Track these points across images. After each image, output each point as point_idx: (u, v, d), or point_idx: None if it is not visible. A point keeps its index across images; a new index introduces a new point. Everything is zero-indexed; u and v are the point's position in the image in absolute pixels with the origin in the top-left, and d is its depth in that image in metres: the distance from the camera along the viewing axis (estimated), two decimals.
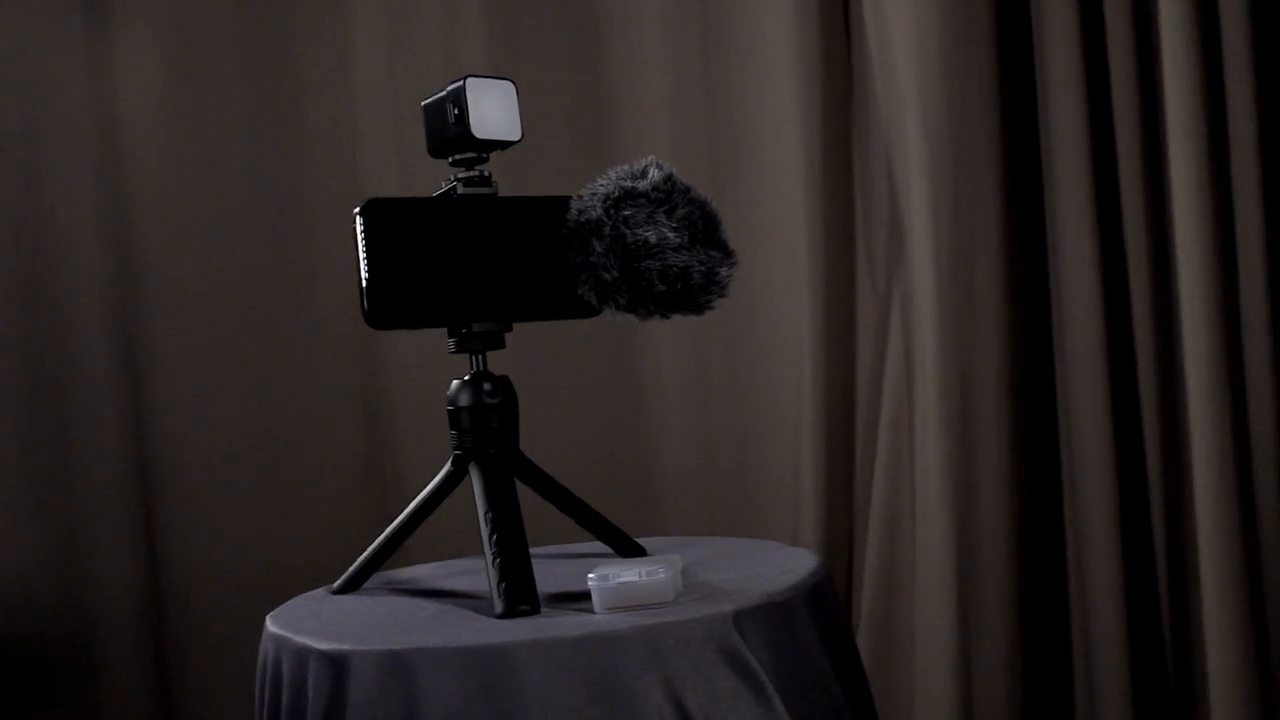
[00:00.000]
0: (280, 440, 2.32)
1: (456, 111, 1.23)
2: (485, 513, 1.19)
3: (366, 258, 1.18)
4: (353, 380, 2.34)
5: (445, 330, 1.27)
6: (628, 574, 1.09)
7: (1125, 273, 1.76)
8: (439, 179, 2.33)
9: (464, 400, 1.26)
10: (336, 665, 1.06)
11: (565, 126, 2.27)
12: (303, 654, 1.11)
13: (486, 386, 1.26)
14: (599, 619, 1.06)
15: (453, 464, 1.28)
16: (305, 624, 1.19)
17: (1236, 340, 1.65)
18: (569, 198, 1.21)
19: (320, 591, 1.37)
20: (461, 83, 1.23)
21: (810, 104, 1.99)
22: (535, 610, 1.13)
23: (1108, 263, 1.78)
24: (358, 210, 1.18)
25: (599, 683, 0.99)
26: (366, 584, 1.35)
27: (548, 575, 1.26)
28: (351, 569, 1.34)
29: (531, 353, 2.29)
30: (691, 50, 2.18)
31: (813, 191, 1.98)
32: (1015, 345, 1.88)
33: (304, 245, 2.34)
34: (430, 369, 2.19)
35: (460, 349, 1.27)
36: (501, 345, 1.27)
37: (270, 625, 1.21)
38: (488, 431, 1.25)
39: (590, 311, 1.22)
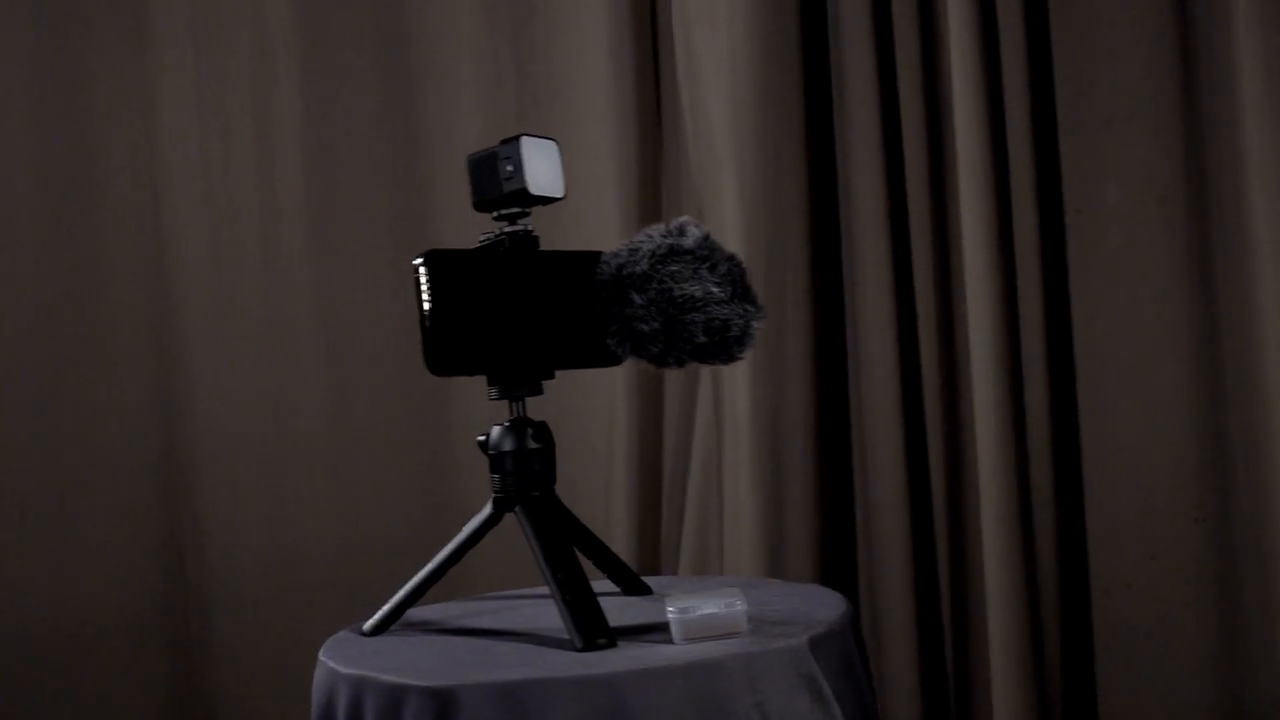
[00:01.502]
0: (65, 485, 2.22)
1: (510, 168, 1.26)
2: (545, 554, 1.23)
3: (430, 305, 1.19)
4: (146, 420, 2.28)
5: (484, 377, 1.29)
6: (707, 607, 1.15)
7: (916, 323, 1.89)
8: (244, 214, 2.26)
9: (507, 445, 1.29)
10: (441, 699, 1.06)
11: (380, 175, 2.27)
12: (395, 692, 1.10)
13: (530, 431, 1.30)
14: (694, 648, 1.12)
15: (493, 507, 1.30)
16: (379, 662, 1.17)
17: (1017, 370, 1.81)
18: (599, 253, 1.26)
19: (346, 633, 1.34)
20: (516, 141, 1.27)
21: (626, 162, 2.06)
22: (613, 643, 1.16)
23: (901, 316, 1.91)
24: (419, 261, 1.20)
25: (700, 707, 1.06)
26: (393, 626, 1.34)
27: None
28: (385, 610, 1.33)
29: (344, 400, 2.29)
30: (507, 110, 2.22)
31: None
32: (819, 395, 1.98)
33: (97, 283, 2.27)
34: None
35: (503, 395, 1.30)
36: (541, 392, 1.31)
37: (339, 666, 1.18)
38: (531, 475, 1.29)
39: (615, 361, 1.27)
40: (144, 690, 2.30)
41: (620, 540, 2.04)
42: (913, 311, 1.90)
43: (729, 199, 1.94)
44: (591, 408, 2.14)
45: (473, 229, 2.22)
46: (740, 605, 1.16)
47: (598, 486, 2.13)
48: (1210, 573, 1.73)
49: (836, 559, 1.96)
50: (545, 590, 1.47)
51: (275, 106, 2.30)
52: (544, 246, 2.22)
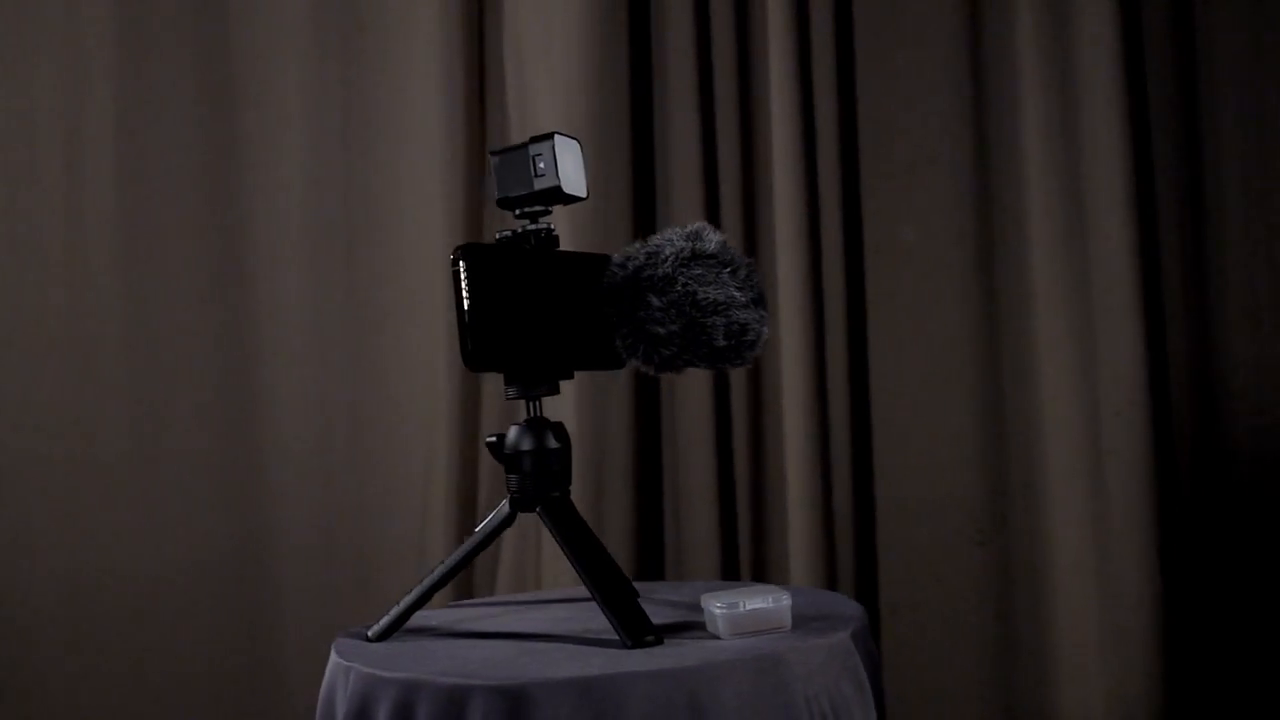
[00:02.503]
0: None
1: (542, 166, 1.24)
2: (577, 556, 1.20)
3: (469, 299, 1.16)
4: None
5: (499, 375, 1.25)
6: (754, 602, 1.16)
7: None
8: (49, 224, 2.15)
9: (526, 445, 1.25)
10: (511, 698, 1.03)
11: (197, 187, 2.22)
12: (456, 693, 1.05)
13: (548, 431, 1.26)
14: (756, 642, 1.13)
15: (509, 507, 1.26)
16: (426, 665, 1.12)
17: (825, 416, 1.90)
18: (608, 255, 1.25)
19: (350, 640, 1.26)
20: (550, 139, 1.24)
21: (453, 188, 2.07)
22: (660, 640, 1.15)
23: None
24: (457, 254, 1.16)
25: (769, 696, 1.07)
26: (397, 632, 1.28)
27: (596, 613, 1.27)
28: (393, 614, 1.27)
29: (150, 419, 2.22)
30: (331, 124, 2.20)
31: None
32: (638, 409, 2.04)
33: None
34: None
35: (521, 395, 1.26)
36: (558, 391, 1.28)
37: (375, 669, 1.12)
38: (550, 475, 1.25)
39: (618, 364, 1.25)
40: None
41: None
42: None
43: (559, 225, 1.97)
44: (409, 427, 2.14)
45: (293, 244, 2.20)
46: (786, 600, 1.17)
47: (414, 507, 2.12)
48: (990, 592, 1.86)
49: (650, 574, 2.02)
50: (542, 596, 1.50)
51: (87, 114, 2.21)
52: (345, 255, 2.20)
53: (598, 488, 1.97)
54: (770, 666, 1.09)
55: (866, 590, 1.92)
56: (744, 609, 1.16)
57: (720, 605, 1.16)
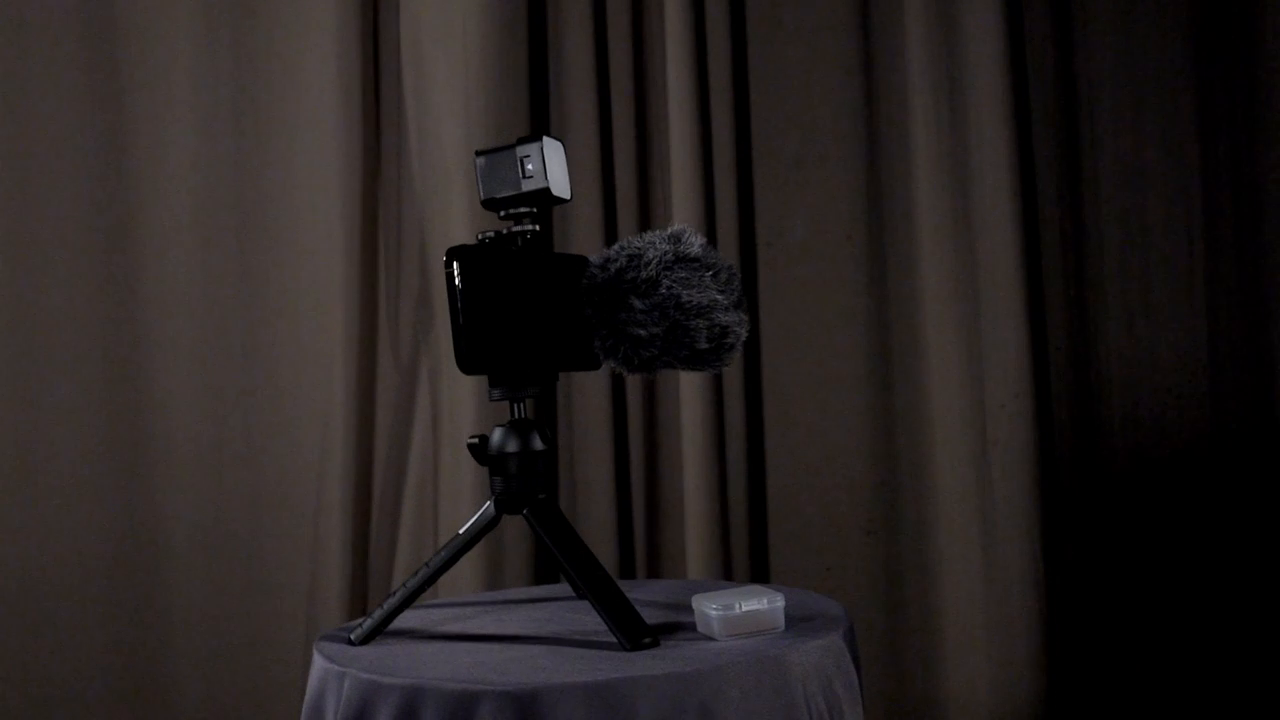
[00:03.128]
0: None
1: (530, 167, 1.21)
2: (568, 558, 1.18)
3: (463, 301, 1.14)
4: None
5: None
6: (748, 603, 1.17)
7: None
8: None
9: (512, 446, 1.23)
10: (522, 703, 1.02)
11: (80, 172, 2.16)
12: (464, 699, 1.02)
13: (534, 433, 1.24)
14: (755, 643, 1.14)
15: (494, 510, 1.23)
16: (429, 669, 1.09)
17: (720, 409, 1.93)
18: (585, 257, 1.23)
19: (332, 645, 1.21)
20: (539, 140, 1.21)
21: (350, 179, 2.04)
22: (656, 642, 1.14)
23: None
24: (450, 255, 1.14)
25: (772, 696, 1.08)
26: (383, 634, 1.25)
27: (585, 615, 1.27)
28: (377, 616, 1.23)
29: (30, 410, 2.14)
30: (221, 109, 2.15)
31: (350, 264, 2.03)
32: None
33: None
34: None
35: (507, 396, 1.23)
36: (539, 394, 1.25)
37: (374, 675, 1.08)
38: (536, 477, 1.23)
39: (594, 365, 1.23)
40: None
41: (332, 557, 2.01)
42: None
43: (458, 216, 1.96)
44: (302, 422, 2.10)
45: (182, 232, 2.14)
46: (780, 602, 1.18)
47: (307, 503, 2.08)
48: (880, 580, 1.91)
49: (547, 568, 2.02)
50: (513, 595, 1.47)
51: None
52: (236, 246, 2.14)
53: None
54: (772, 667, 1.10)
55: (760, 579, 1.95)
56: (740, 610, 1.17)
57: (715, 607, 1.17)
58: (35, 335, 2.14)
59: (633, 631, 1.15)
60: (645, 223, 2.01)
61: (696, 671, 1.06)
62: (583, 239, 2.00)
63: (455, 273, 1.16)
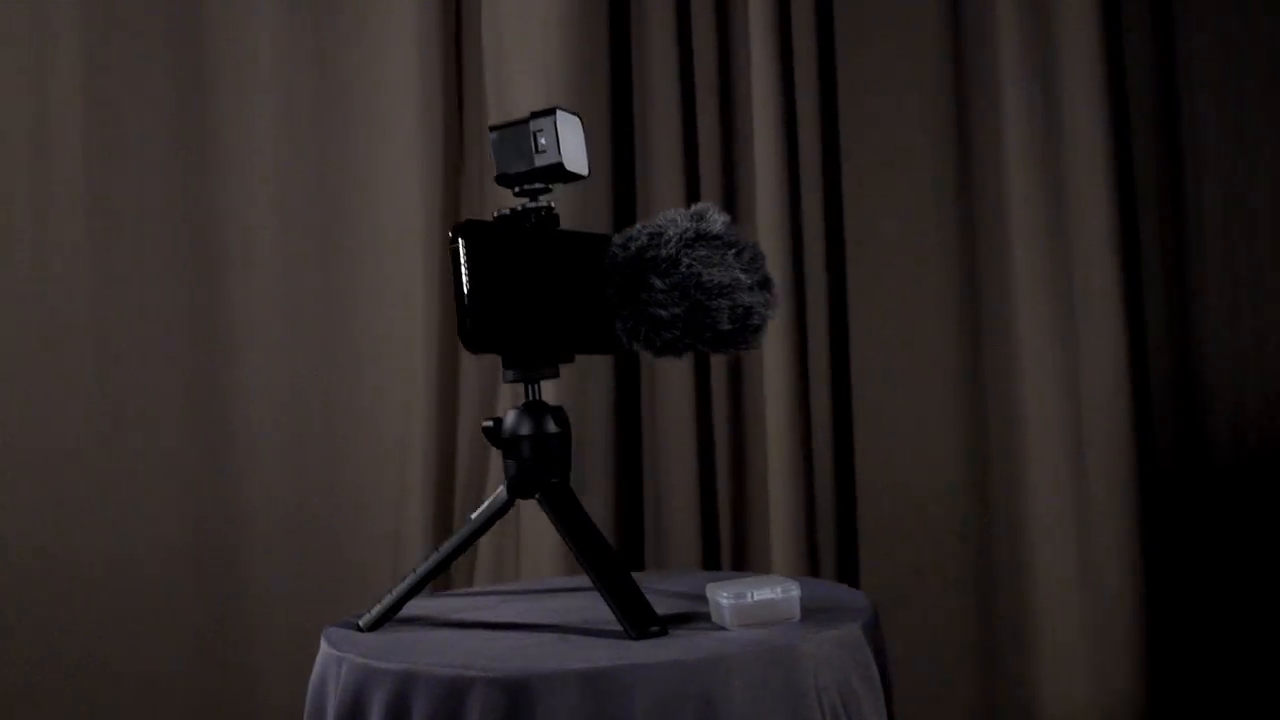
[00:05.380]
0: None
1: (544, 142, 1.19)
2: (579, 543, 1.16)
3: (468, 278, 1.11)
4: None
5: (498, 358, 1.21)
6: (762, 592, 1.13)
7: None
8: (16, 208, 2.13)
9: (525, 429, 1.21)
10: (512, 691, 0.99)
11: (168, 168, 2.19)
12: (455, 685, 1.01)
13: (548, 416, 1.22)
14: (766, 634, 1.10)
15: (507, 494, 1.22)
16: (425, 656, 1.08)
17: (806, 406, 1.88)
18: (608, 235, 1.20)
19: (341, 630, 1.21)
20: (552, 114, 1.19)
21: (430, 171, 2.05)
22: (665, 631, 1.11)
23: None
24: (455, 232, 1.12)
25: (779, 689, 1.05)
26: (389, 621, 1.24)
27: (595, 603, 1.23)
28: (386, 603, 1.22)
29: (117, 403, 2.18)
30: (304, 101, 2.17)
31: (431, 254, 2.03)
32: (619, 402, 2.01)
33: None
34: None
35: (520, 378, 1.22)
36: (557, 375, 1.23)
37: (369, 660, 1.08)
38: (550, 460, 1.21)
39: (618, 347, 1.20)
40: None
41: (412, 548, 2.02)
42: None
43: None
44: (385, 413, 2.11)
45: (265, 225, 2.16)
46: (795, 591, 1.14)
47: (390, 494, 2.09)
48: (971, 586, 1.85)
49: (631, 565, 1.99)
50: (536, 585, 1.46)
51: (54, 94, 2.16)
52: (320, 239, 2.16)
53: (576, 476, 1.94)
54: (781, 658, 1.06)
55: (847, 582, 1.90)
56: (752, 600, 1.13)
57: (727, 595, 1.13)
58: (123, 331, 2.18)
59: (640, 620, 1.12)
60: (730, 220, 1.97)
61: (698, 660, 1.03)
62: None
63: (460, 249, 1.13)
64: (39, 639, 2.13)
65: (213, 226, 2.17)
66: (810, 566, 1.85)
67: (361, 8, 2.14)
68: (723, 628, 1.13)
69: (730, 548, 1.94)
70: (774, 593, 1.13)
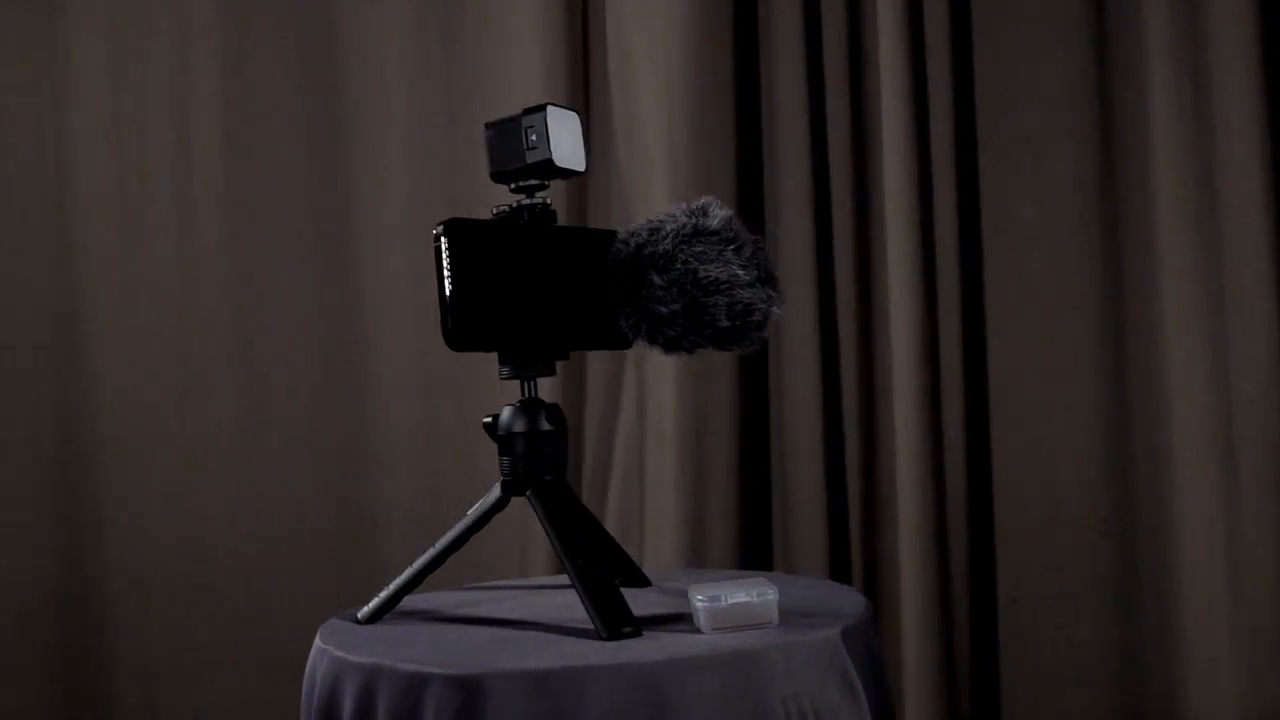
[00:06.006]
0: None
1: (535, 138, 1.20)
2: (562, 541, 1.17)
3: (451, 277, 1.13)
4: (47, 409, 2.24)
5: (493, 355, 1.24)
6: (737, 595, 1.11)
7: (837, 337, 1.93)
8: (157, 201, 2.20)
9: (519, 426, 1.23)
10: (467, 689, 1.01)
11: (300, 164, 2.23)
12: (414, 681, 1.04)
13: (541, 413, 1.23)
14: (732, 638, 1.08)
15: (501, 491, 1.24)
16: (391, 650, 1.11)
17: (936, 386, 1.85)
18: (614, 231, 1.21)
19: (338, 623, 1.26)
20: (543, 110, 1.20)
21: None
22: (638, 632, 1.12)
23: (824, 329, 1.94)
24: (440, 229, 1.14)
25: (740, 697, 1.03)
26: (390, 615, 1.28)
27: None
28: (382, 597, 1.26)
29: (256, 392, 2.24)
30: (433, 99, 2.19)
31: None
32: (743, 403, 1.99)
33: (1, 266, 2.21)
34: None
35: (515, 375, 1.24)
36: (553, 372, 1.25)
37: (344, 653, 1.12)
38: (543, 458, 1.23)
39: (624, 343, 1.21)
40: (37, 683, 2.24)
41: (537, 544, 2.03)
42: (834, 320, 1.93)
43: (660, 197, 1.94)
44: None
45: (395, 221, 2.19)
46: (772, 595, 1.13)
47: None
48: (1112, 585, 1.80)
49: (755, 562, 1.99)
50: (542, 581, 1.46)
51: (194, 92, 2.23)
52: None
53: (698, 474, 1.94)
54: (742, 664, 1.04)
55: (984, 582, 1.86)
56: (725, 603, 1.11)
57: (702, 599, 1.12)
58: (261, 324, 2.24)
59: (613, 620, 1.11)
60: (862, 206, 1.93)
61: (656, 664, 1.02)
62: (791, 226, 1.93)
63: (443, 247, 1.13)
64: (179, 626, 2.21)
65: (345, 225, 2.21)
66: (940, 566, 1.82)
67: (485, 7, 2.14)
68: (699, 631, 1.11)
69: (860, 546, 1.92)
70: (749, 596, 1.11)
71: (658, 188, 1.96)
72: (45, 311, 2.26)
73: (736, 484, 1.96)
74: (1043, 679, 1.82)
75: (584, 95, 2.10)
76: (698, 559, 1.92)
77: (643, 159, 1.99)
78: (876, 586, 1.91)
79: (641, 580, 1.38)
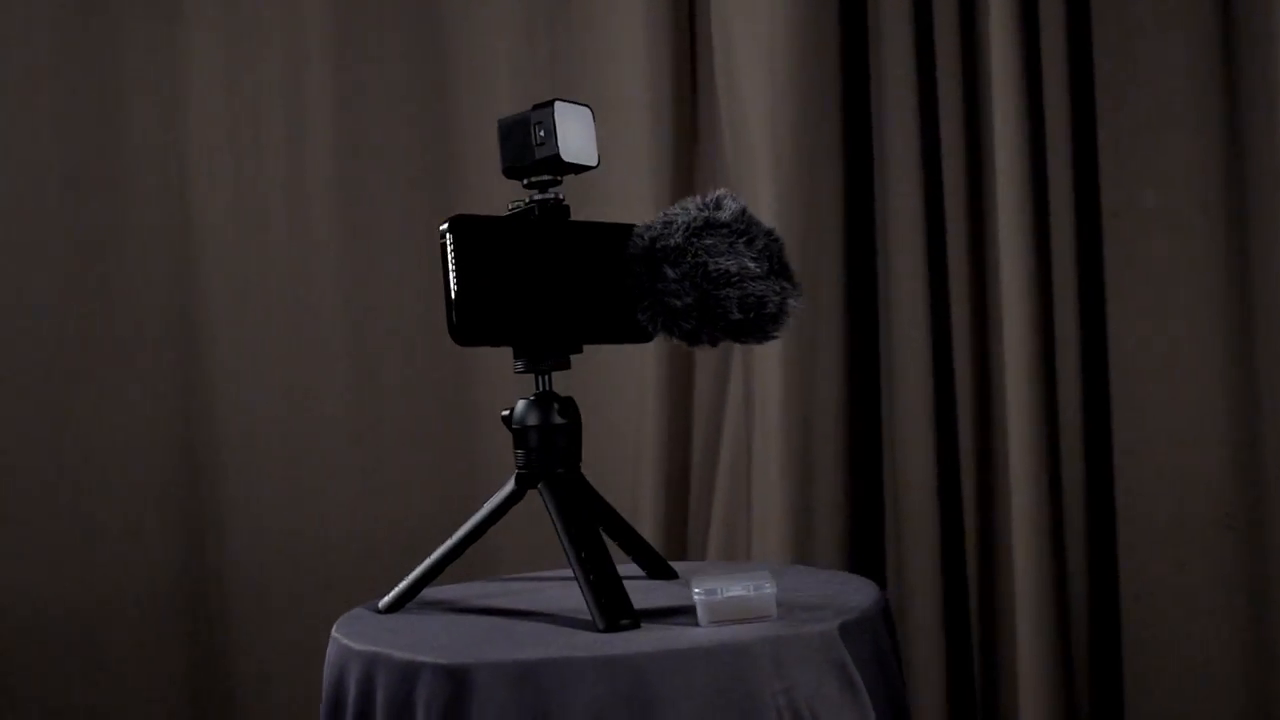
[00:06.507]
0: (91, 467, 2.26)
1: (543, 134, 1.22)
2: (568, 532, 1.19)
3: (456, 272, 1.16)
4: (170, 402, 2.30)
5: (510, 350, 1.27)
6: (734, 589, 1.11)
7: (950, 327, 1.89)
8: (272, 194, 2.26)
9: (532, 420, 1.26)
10: (456, 679, 1.03)
11: (411, 157, 2.26)
12: (409, 669, 1.07)
13: (555, 406, 1.26)
14: (718, 630, 1.09)
15: (515, 483, 1.27)
16: (394, 639, 1.14)
17: (1051, 376, 1.81)
18: (632, 225, 1.23)
19: (360, 611, 1.31)
20: (550, 106, 1.22)
21: (660, 154, 2.05)
22: (636, 624, 1.13)
23: (935, 319, 1.91)
24: (445, 226, 1.17)
25: (726, 691, 1.02)
26: (409, 605, 1.32)
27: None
28: (401, 587, 1.30)
29: (368, 384, 2.28)
30: (540, 92, 2.20)
31: None
32: (851, 395, 1.97)
33: (122, 264, 2.28)
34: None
35: (529, 369, 1.27)
36: (568, 366, 1.28)
37: (351, 642, 1.15)
38: (556, 451, 1.26)
39: (645, 337, 1.23)
40: (161, 672, 2.30)
41: (646, 531, 2.04)
42: (947, 309, 1.90)
43: (764, 189, 1.93)
44: (620, 396, 2.14)
45: (502, 211, 2.22)
46: (769, 588, 1.12)
47: (625, 476, 2.12)
48: (1241, 581, 1.74)
49: (865, 554, 1.96)
50: (570, 572, 1.48)
51: (306, 86, 2.28)
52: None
53: (804, 464, 1.92)
54: (732, 658, 1.02)
55: (1103, 574, 1.81)
56: (720, 596, 1.10)
57: (699, 592, 1.11)
58: (372, 317, 2.28)
59: (612, 612, 1.12)
60: (975, 194, 1.89)
61: (643, 655, 1.02)
62: (902, 214, 1.90)
63: (448, 244, 1.15)
64: (296, 622, 2.25)
65: (454, 212, 2.24)
66: (1055, 560, 1.77)
67: (589, 3, 2.15)
68: (697, 625, 1.10)
69: (976, 537, 1.88)
70: (745, 589, 1.10)
71: (762, 180, 1.94)
72: (169, 309, 2.32)
73: (844, 473, 1.94)
74: (1168, 677, 1.76)
75: (691, 90, 2.09)
76: (804, 550, 1.91)
77: (747, 152, 1.98)
78: (994, 580, 1.87)
79: (668, 573, 1.39)
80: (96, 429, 2.27)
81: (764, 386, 1.94)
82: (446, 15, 2.25)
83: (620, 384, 2.13)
